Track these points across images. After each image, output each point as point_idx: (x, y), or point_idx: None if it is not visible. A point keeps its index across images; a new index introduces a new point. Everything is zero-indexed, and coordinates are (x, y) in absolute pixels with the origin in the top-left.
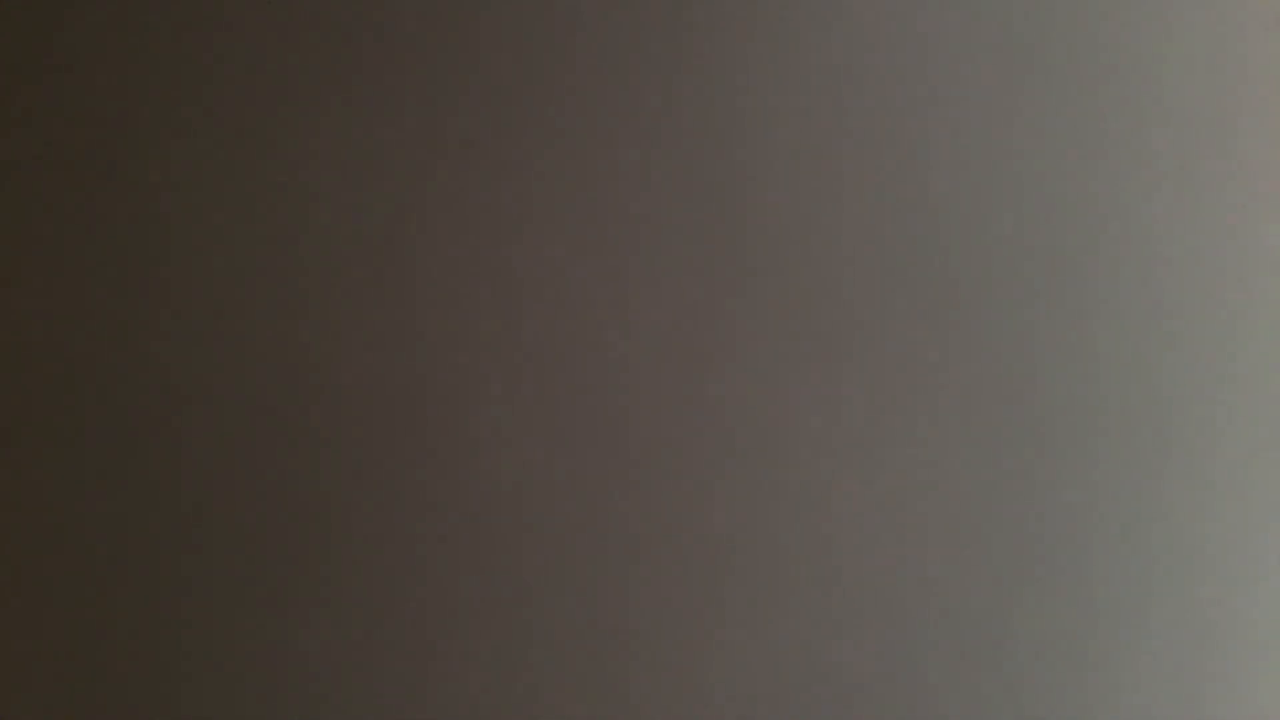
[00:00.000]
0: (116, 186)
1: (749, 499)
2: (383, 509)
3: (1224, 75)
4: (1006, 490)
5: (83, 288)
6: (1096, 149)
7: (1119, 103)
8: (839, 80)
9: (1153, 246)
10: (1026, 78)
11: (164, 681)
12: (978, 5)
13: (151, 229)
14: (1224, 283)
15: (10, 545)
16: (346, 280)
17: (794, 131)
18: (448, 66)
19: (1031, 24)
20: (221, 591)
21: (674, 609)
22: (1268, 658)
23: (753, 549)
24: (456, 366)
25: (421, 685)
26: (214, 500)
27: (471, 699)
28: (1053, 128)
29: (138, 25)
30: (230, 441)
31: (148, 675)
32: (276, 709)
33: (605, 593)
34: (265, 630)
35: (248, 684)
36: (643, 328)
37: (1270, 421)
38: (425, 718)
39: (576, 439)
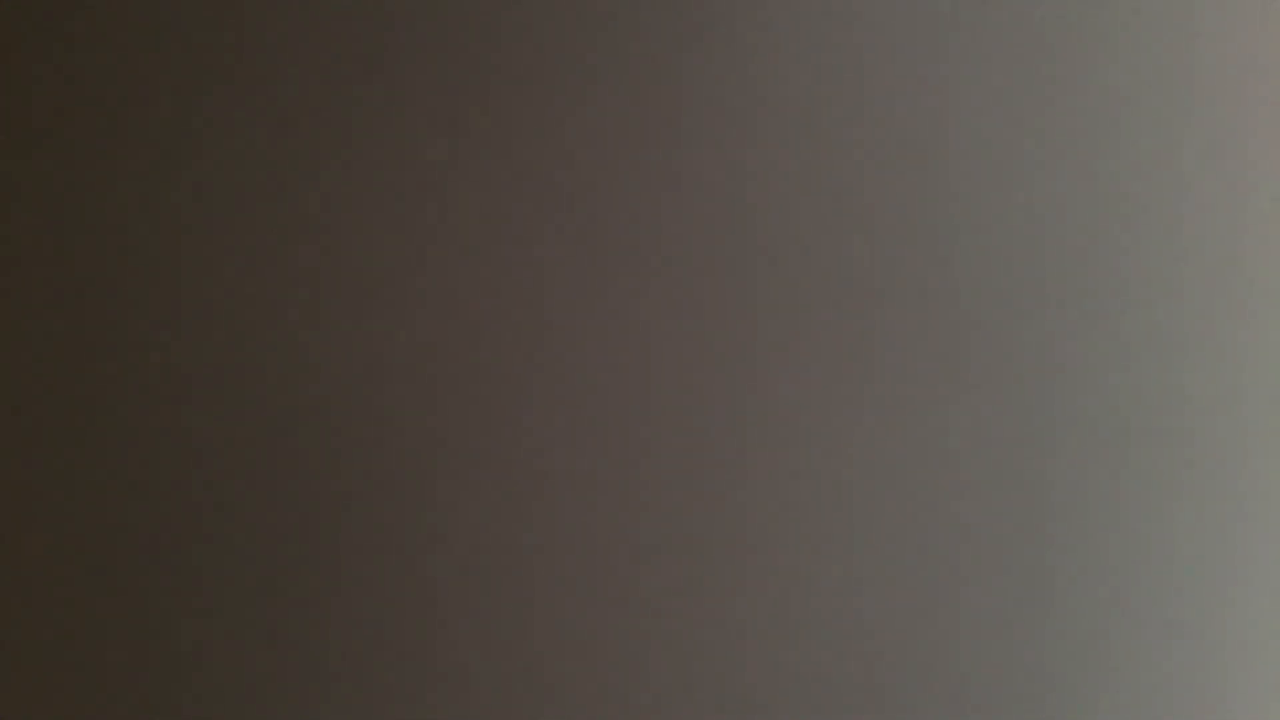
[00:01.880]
0: (124, 188)
1: (760, 499)
2: (392, 510)
3: (1235, 75)
4: (1014, 488)
5: (90, 289)
6: (1106, 149)
7: (1127, 101)
8: (849, 81)
9: (1159, 246)
10: (1037, 76)
11: (168, 682)
12: (983, 6)
13: (159, 230)
14: (1227, 283)
15: (13, 546)
16: (356, 280)
17: (807, 132)
18: (453, 69)
19: (1039, 25)
20: (226, 592)
21: (679, 608)
22: (1268, 659)
23: (764, 548)
24: (464, 366)
25: (436, 679)
26: (219, 501)
27: (481, 698)
28: (1061, 128)
29: (144, 26)
30: (236, 442)
31: (150, 677)
32: (283, 710)
33: (615, 589)
34: (270, 631)
35: (253, 685)
36: (654, 327)
37: (1272, 421)
38: (442, 713)
39: (585, 437)
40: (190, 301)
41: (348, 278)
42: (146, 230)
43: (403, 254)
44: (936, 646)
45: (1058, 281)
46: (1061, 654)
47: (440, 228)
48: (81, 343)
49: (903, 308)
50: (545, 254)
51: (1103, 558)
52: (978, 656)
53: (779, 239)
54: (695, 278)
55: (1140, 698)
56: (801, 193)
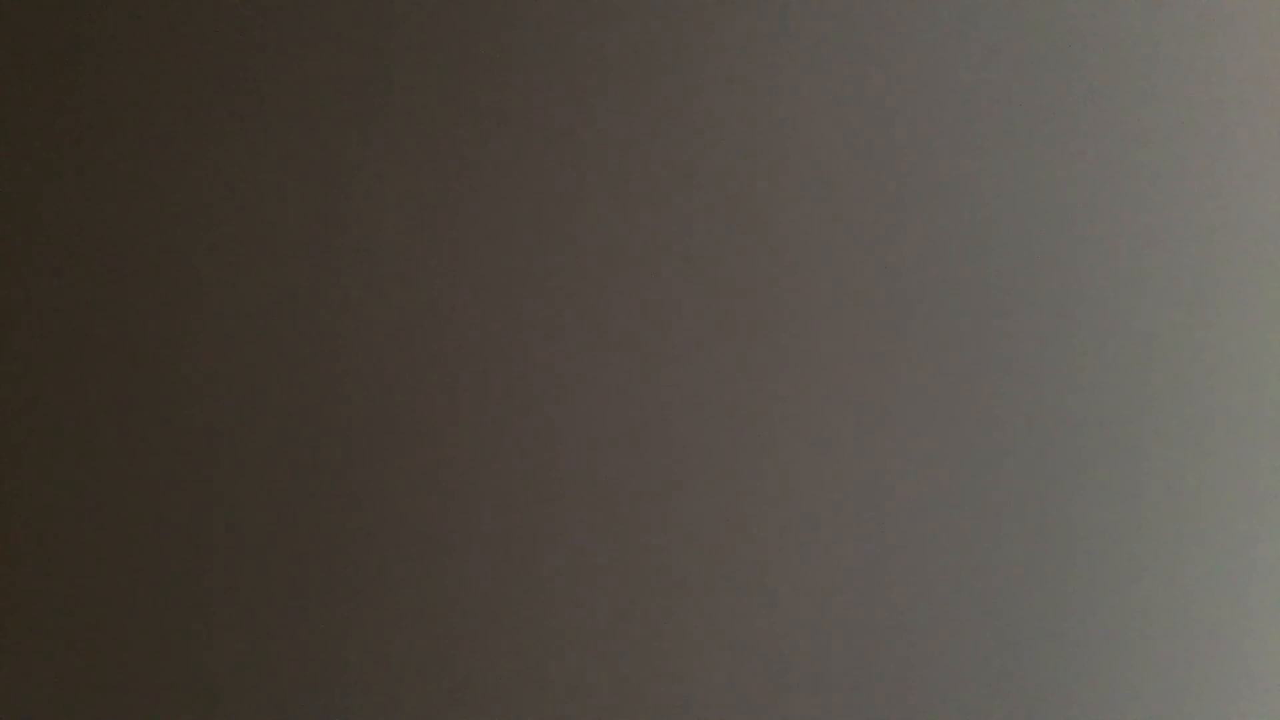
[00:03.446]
0: (129, 186)
1: (772, 503)
2: (395, 510)
3: (1228, 74)
4: (1009, 491)
5: (95, 287)
6: (1117, 154)
7: (1136, 105)
8: (862, 83)
9: (1155, 247)
10: (1052, 82)
11: (173, 680)
12: (980, 7)
13: (163, 227)
14: (1225, 282)
15: (17, 544)
16: (363, 280)
17: (819, 137)
18: (461, 70)
19: (1039, 28)
20: (231, 592)
21: (680, 606)
22: (1268, 658)
23: (757, 548)
24: (475, 365)
25: (437, 680)
26: (223, 499)
27: (487, 695)
28: (1073, 135)
29: (151, 26)
30: (242, 441)
31: (156, 674)
32: (289, 705)
33: (626, 588)
34: (274, 631)
35: (257, 683)
36: (665, 327)
37: (1272, 421)
38: (441, 711)
39: (585, 437)
40: (195, 298)
41: (356, 273)
42: (151, 227)
43: (414, 251)
44: (944, 649)
45: (1070, 285)
46: (1072, 656)
47: (454, 229)
48: (87, 340)
49: (915, 313)
50: (556, 253)
51: (1114, 562)
52: (987, 659)
53: (792, 244)
54: (708, 280)
55: (1151, 701)
56: (815, 199)
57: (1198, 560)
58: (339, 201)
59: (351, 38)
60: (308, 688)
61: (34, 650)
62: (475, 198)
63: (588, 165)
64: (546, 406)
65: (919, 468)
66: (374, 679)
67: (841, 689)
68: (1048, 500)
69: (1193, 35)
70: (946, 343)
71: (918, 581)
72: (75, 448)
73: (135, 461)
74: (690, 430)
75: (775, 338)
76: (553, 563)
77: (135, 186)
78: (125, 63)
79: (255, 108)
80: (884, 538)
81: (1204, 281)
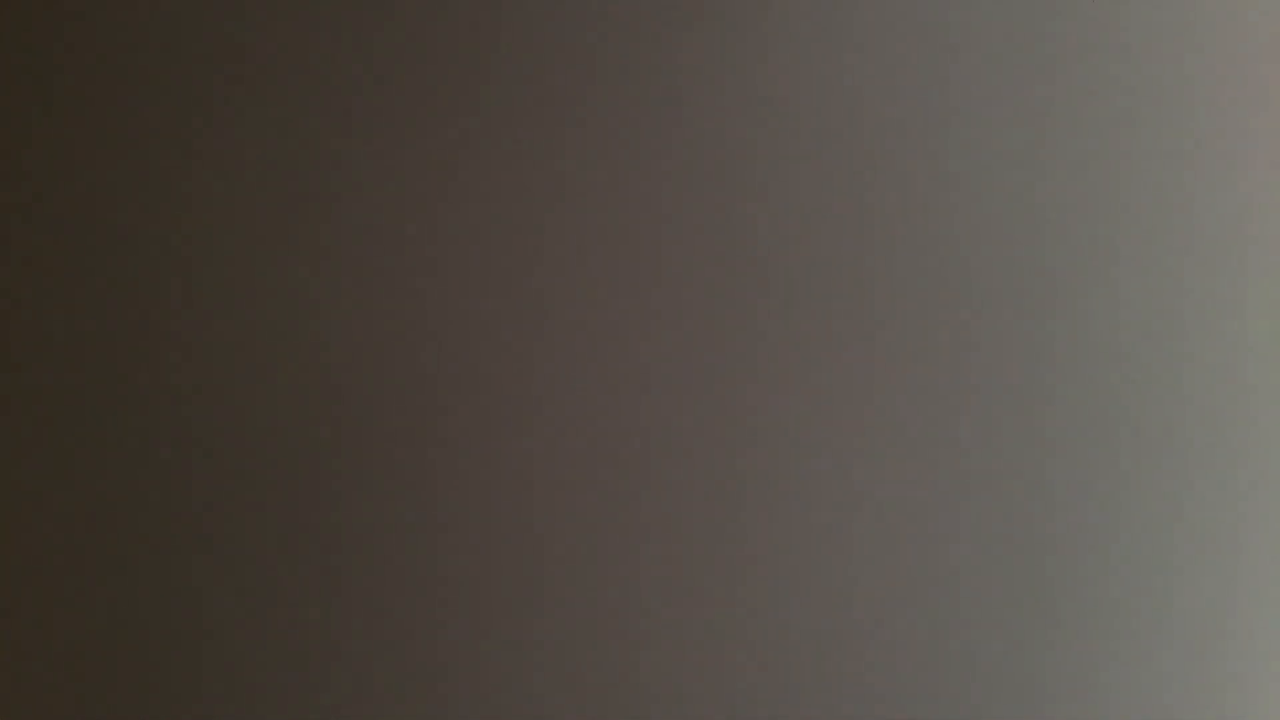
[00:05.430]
0: (129, 184)
1: (760, 501)
2: (394, 511)
3: (1235, 75)
4: (1016, 491)
5: (93, 285)
6: (1107, 151)
7: (1128, 103)
8: (849, 80)
9: (1162, 249)
10: (1040, 77)
11: (168, 679)
12: (980, 6)
13: (163, 228)
14: (1225, 281)
15: (15, 544)
16: (364, 281)
17: (807, 133)
18: (458, 68)
19: (1038, 26)
20: (229, 592)
21: (681, 606)
22: (1268, 658)
23: (761, 549)
24: (466, 365)
25: (433, 685)
26: (223, 500)
27: (479, 695)
28: (1062, 130)
29: (152, 23)
30: (240, 441)
31: (155, 676)
32: (284, 709)
33: (611, 590)
34: (272, 631)
35: (254, 685)
36: (654, 328)
37: (1271, 421)
38: (436, 716)
39: (584, 438)
40: (193, 297)
41: (350, 272)
42: (150, 226)
43: (406, 249)
44: (936, 650)
45: (1059, 283)
46: (1064, 657)
47: (442, 228)
48: (84, 338)
49: (903, 311)
50: (546, 251)
51: (1106, 561)
52: (979, 660)
53: (779, 240)
54: (697, 276)
55: (1143, 700)
56: (802, 195)
57: (1195, 560)
58: (333, 200)
59: (347, 37)
60: (307, 688)
61: (34, 650)
62: (467, 199)
63: (581, 163)
64: (539, 406)
65: (911, 467)
66: (372, 680)
67: (835, 688)
68: (1041, 499)
69: (1189, 32)
70: (940, 341)
71: (913, 581)
72: (74, 448)
73: (135, 462)
74: (683, 430)
75: (766, 336)
76: (548, 563)
77: (134, 186)
78: (124, 62)
79: (253, 107)
80: (877, 537)
81: (1201, 279)
